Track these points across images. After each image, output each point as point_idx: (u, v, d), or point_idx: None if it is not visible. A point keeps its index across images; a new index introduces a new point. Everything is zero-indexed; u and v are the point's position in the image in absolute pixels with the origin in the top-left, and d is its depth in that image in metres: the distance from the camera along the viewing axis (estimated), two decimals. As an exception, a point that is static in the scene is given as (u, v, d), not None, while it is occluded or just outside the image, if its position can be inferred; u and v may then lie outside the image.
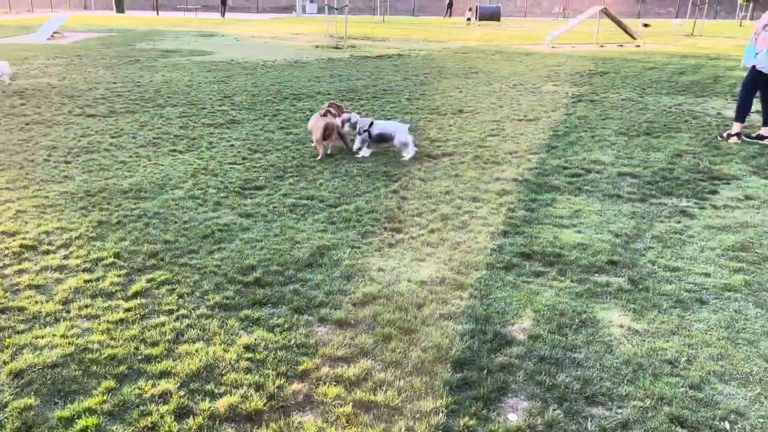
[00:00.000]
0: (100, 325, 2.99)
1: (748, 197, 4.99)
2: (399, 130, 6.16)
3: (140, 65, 13.17)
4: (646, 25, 29.36)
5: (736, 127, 6.95)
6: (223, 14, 41.45)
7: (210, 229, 4.17)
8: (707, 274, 3.63)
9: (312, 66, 13.74)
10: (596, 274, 3.62)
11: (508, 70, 13.30)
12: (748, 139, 6.92)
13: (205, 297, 3.26)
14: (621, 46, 20.18)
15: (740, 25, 36.23)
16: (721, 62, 15.44)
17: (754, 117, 7.74)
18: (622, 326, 3.05)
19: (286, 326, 2.98)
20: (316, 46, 18.68)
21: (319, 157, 6.07)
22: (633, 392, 2.56)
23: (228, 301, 3.21)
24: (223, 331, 2.94)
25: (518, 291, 3.38)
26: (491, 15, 38.39)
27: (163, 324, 3.00)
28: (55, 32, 19.97)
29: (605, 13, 21.03)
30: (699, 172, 5.69)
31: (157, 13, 40.86)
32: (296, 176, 5.46)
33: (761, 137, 6.87)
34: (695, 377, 2.65)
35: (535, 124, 7.81)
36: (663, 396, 2.53)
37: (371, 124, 6.19)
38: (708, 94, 10.40)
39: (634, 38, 21.37)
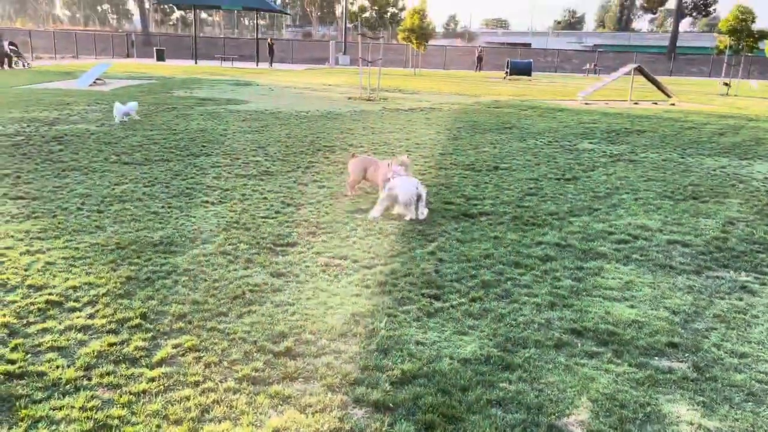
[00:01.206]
0: (121, 396, 2.79)
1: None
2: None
3: (176, 113, 13.38)
4: (726, 84, 29.06)
5: None
6: (271, 63, 42.87)
7: (241, 290, 3.99)
8: None
9: (345, 118, 13.81)
10: (656, 358, 3.32)
11: (542, 126, 13.17)
12: None
13: (234, 368, 3.05)
14: (655, 103, 20.01)
15: (775, 85, 35.85)
16: (761, 123, 15.12)
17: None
18: (692, 423, 2.74)
19: (318, 407, 2.74)
20: (349, 98, 18.88)
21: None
22: None
23: (257, 374, 3.00)
24: (251, 409, 2.72)
25: (572, 375, 3.10)
26: (523, 70, 38.76)
27: (187, 398, 2.79)
28: (97, 79, 20.61)
29: (640, 70, 20.98)
30: (755, 242, 5.37)
31: (196, 62, 42.21)
32: (329, 233, 5.29)
33: None
34: None
35: (574, 183, 7.58)
36: None
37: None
38: (752, 156, 10.09)
39: (668, 96, 21.21)
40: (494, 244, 5.12)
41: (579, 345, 3.43)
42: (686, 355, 3.35)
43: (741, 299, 4.14)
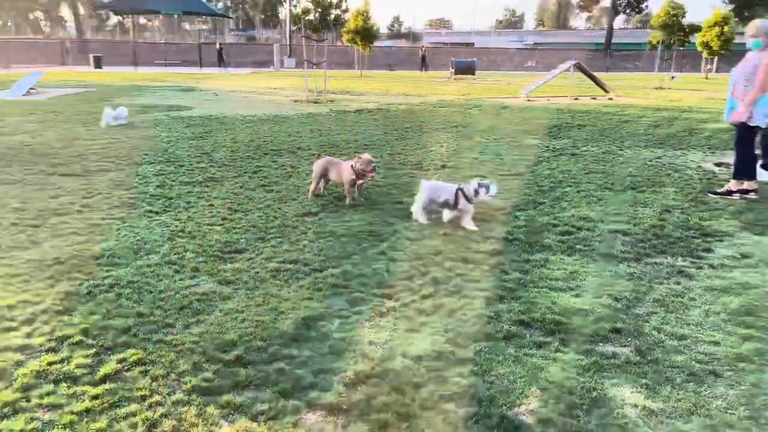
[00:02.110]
0: (62, 416, 2.68)
1: (744, 255, 4.88)
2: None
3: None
4: (673, 77, 30.40)
5: (752, 184, 6.86)
6: (221, 67, 42.32)
7: (188, 299, 3.90)
8: (716, 343, 3.45)
9: (292, 121, 13.70)
10: (601, 344, 3.41)
11: (488, 124, 13.39)
12: (712, 195, 6.88)
13: (182, 380, 2.97)
14: (594, 98, 20.65)
15: (706, 78, 37.57)
16: (693, 115, 15.80)
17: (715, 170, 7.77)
18: (636, 405, 2.83)
19: (271, 413, 2.71)
20: (295, 101, 18.74)
21: (348, 202, 6.34)
22: None
23: (207, 384, 2.93)
24: (201, 420, 2.66)
25: (521, 365, 3.16)
26: (467, 69, 39.33)
27: (134, 414, 2.70)
28: (31, 88, 19.79)
29: (579, 67, 21.60)
30: (690, 228, 5.60)
31: (136, 69, 41.07)
32: (279, 237, 5.23)
33: (730, 192, 6.83)
34: None
35: (520, 179, 7.74)
36: None
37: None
38: (685, 146, 10.53)
39: (606, 91, 21.91)
40: (444, 241, 5.17)
41: (528, 336, 3.50)
42: (629, 339, 3.47)
43: (678, 283, 4.31)
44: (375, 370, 3.07)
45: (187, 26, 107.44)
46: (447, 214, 5.71)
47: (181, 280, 4.25)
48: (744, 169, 6.79)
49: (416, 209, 5.80)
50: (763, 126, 6.68)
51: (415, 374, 3.04)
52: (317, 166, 6.58)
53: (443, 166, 8.50)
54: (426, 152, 9.69)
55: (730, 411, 2.80)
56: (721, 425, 2.69)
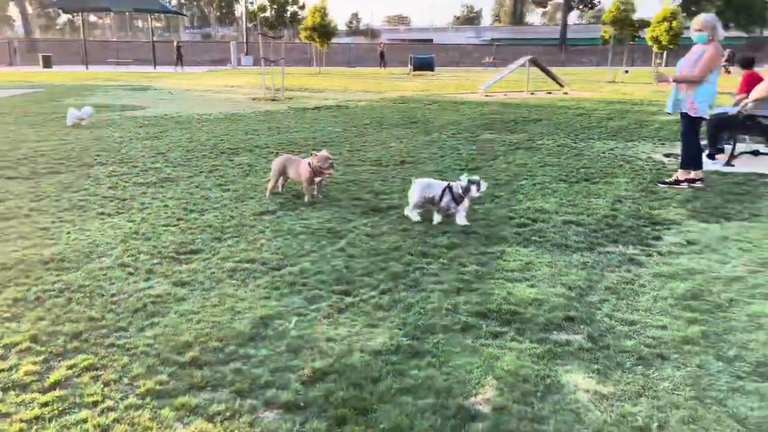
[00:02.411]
0: (11, 425, 2.60)
1: (690, 242, 5.06)
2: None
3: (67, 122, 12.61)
4: (627, 72, 31.22)
5: (698, 174, 7.05)
6: (179, 66, 41.58)
7: (141, 302, 3.82)
8: (664, 327, 3.56)
9: (249, 119, 13.54)
10: (555, 332, 3.49)
11: (446, 119, 13.50)
12: (661, 184, 7.09)
13: (135, 383, 2.92)
14: (550, 93, 21.02)
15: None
16: (644, 107, 16.24)
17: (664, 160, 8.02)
18: (588, 390, 2.90)
19: (228, 414, 2.68)
20: (253, 99, 18.53)
21: (307, 200, 6.32)
22: None
23: (161, 387, 2.88)
24: (155, 424, 2.61)
25: (478, 356, 3.20)
26: (425, 65, 39.53)
27: (85, 420, 2.64)
28: (-26, 89, 19.02)
29: (534, 62, 21.95)
30: (640, 217, 5.77)
31: (87, 68, 39.94)
32: (235, 237, 5.17)
33: (677, 182, 7.05)
34: None
35: (477, 173, 7.82)
36: None
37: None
38: (637, 138, 10.82)
39: (561, 85, 22.33)
40: (402, 236, 5.20)
41: (484, 326, 3.55)
42: (582, 327, 3.55)
43: (629, 271, 4.44)
44: (333, 367, 3.07)
45: (139, 24, 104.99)
46: (437, 217, 5.57)
47: (134, 282, 4.16)
48: (690, 159, 7.01)
49: (409, 207, 5.71)
50: (707, 117, 6.92)
51: (373, 369, 3.05)
52: (276, 163, 6.53)
53: (402, 162, 8.53)
54: (385, 148, 9.71)
55: (676, 392, 2.90)
56: (668, 405, 2.78)
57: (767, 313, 3.73)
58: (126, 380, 2.95)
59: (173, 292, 3.99)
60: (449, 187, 5.48)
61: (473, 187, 5.47)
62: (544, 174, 7.72)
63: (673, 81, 6.86)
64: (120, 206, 6.12)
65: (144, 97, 19.26)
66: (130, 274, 4.32)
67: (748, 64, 9.58)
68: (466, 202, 5.53)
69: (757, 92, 8.15)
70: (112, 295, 3.93)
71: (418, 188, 5.59)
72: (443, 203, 5.49)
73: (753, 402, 2.82)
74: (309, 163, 6.19)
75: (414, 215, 5.67)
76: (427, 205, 5.60)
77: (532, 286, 4.15)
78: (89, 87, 23.21)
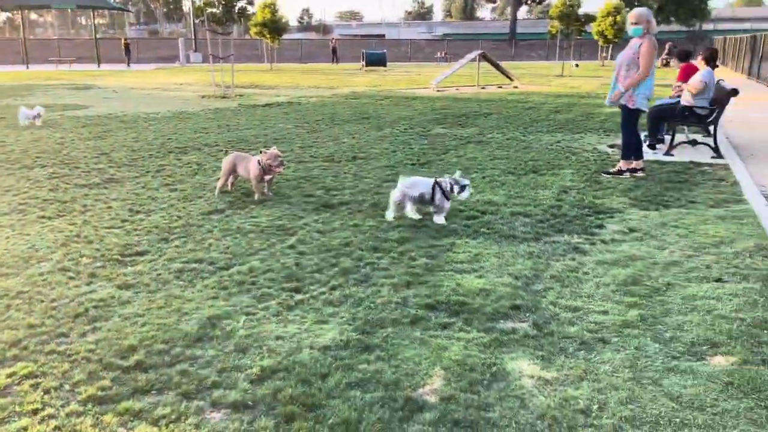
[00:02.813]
0: (-58, 440, 2.49)
1: (631, 230, 5.23)
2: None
3: (5, 123, 12.12)
4: (576, 65, 32.02)
5: (639, 163, 7.26)
6: (128, 64, 40.50)
7: (83, 307, 3.71)
8: (605, 312, 3.68)
9: (198, 117, 13.29)
10: (501, 321, 3.56)
11: (398, 114, 13.55)
12: (605, 175, 7.31)
13: (77, 390, 2.83)
14: (500, 87, 21.35)
15: (602, 65, 39.71)
16: (590, 100, 16.68)
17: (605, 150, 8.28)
18: (532, 376, 2.97)
19: (173, 417, 2.63)
20: (203, 97, 18.19)
21: (257, 197, 6.25)
22: None
23: (104, 393, 2.81)
24: (97, 431, 2.55)
25: (426, 347, 3.24)
26: (378, 60, 39.56)
27: (25, 428, 2.55)
28: None
29: (484, 57, 22.24)
30: (585, 207, 5.93)
31: (27, 67, 38.42)
32: (183, 237, 5.08)
33: (620, 171, 7.27)
34: (608, 426, 2.60)
35: (428, 167, 7.89)
36: None
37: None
38: (583, 130, 11.10)
39: (511, 79, 22.71)
40: (354, 232, 5.20)
41: (433, 318, 3.59)
42: (527, 315, 3.64)
43: (573, 259, 4.56)
44: (282, 364, 3.05)
45: (83, 21, 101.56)
46: (410, 211, 5.43)
47: (75, 287, 4.04)
48: (631, 150, 7.24)
49: (389, 208, 5.55)
50: (645, 109, 7.15)
51: (322, 365, 3.05)
52: (225, 162, 6.43)
53: (354, 158, 8.53)
54: (337, 144, 9.69)
55: (615, 374, 3.00)
56: (608, 387, 2.88)
57: (701, 295, 3.90)
58: (67, 387, 2.87)
59: (117, 296, 3.89)
60: (438, 184, 5.35)
61: (456, 188, 5.33)
62: (494, 167, 7.84)
63: (629, 86, 6.93)
64: (61, 209, 5.93)
65: (87, 96, 18.67)
66: (71, 278, 4.19)
67: (685, 56, 9.95)
68: (448, 204, 5.42)
69: (690, 86, 8.49)
70: (52, 301, 3.81)
71: (401, 186, 5.43)
72: (437, 200, 5.35)
73: (686, 380, 2.95)
74: (258, 161, 6.13)
75: (390, 214, 5.51)
76: (416, 204, 5.42)
77: (480, 276, 4.22)
78: (29, 87, 22.35)
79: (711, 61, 8.60)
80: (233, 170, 6.40)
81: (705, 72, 8.48)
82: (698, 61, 8.85)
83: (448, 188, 5.35)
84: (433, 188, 5.35)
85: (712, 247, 4.77)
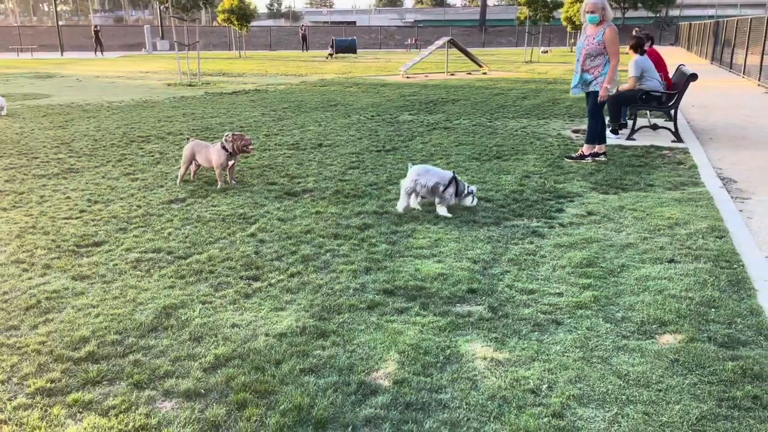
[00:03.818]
0: None
1: (590, 213, 5.31)
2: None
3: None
4: (545, 52, 32.22)
5: (601, 148, 7.35)
6: (99, 52, 39.51)
7: (35, 299, 3.64)
8: (560, 294, 3.74)
9: (163, 105, 13.06)
10: (458, 305, 3.60)
11: (366, 102, 13.51)
12: (567, 159, 7.41)
13: (25, 383, 2.79)
14: (469, 74, 21.40)
15: (571, 51, 40.06)
16: (557, 86, 16.82)
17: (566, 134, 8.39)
18: (485, 358, 3.02)
19: (123, 407, 2.61)
20: (168, 85, 17.87)
21: (219, 186, 6.20)
22: (500, 429, 2.50)
23: (53, 385, 2.77)
24: (45, 423, 2.51)
25: (382, 332, 3.26)
26: (347, 47, 39.27)
27: (-32, 424, 2.51)
28: None
29: (453, 43, 22.24)
30: (546, 192, 6.00)
31: (-14, 54, 37.24)
32: (142, 227, 5.01)
33: (582, 156, 7.38)
34: (557, 404, 2.65)
35: (394, 154, 7.90)
36: (528, 429, 2.49)
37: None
38: (548, 116, 11.21)
39: (480, 66, 22.77)
40: (315, 219, 5.19)
41: (390, 303, 3.61)
42: (483, 298, 3.68)
43: (532, 243, 4.62)
44: (236, 352, 3.04)
45: (45, 8, 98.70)
46: (414, 202, 5.35)
47: (29, 279, 3.96)
48: (597, 135, 7.34)
49: (400, 199, 5.38)
50: (612, 93, 7.25)
51: (276, 351, 3.05)
52: (186, 150, 6.35)
53: (320, 145, 8.49)
54: (303, 132, 9.62)
55: (566, 354, 3.06)
56: (558, 367, 2.94)
57: (653, 276, 3.99)
58: (15, 380, 2.82)
59: (71, 287, 3.83)
60: (456, 178, 5.26)
61: (471, 197, 5.32)
62: (459, 153, 7.88)
63: (611, 77, 6.99)
64: (17, 200, 5.79)
65: (49, 85, 18.20)
66: (25, 270, 4.10)
67: (638, 46, 9.92)
68: (454, 200, 5.32)
69: (624, 87, 8.70)
70: (4, 293, 3.73)
71: (413, 174, 5.28)
72: (447, 193, 5.25)
73: (635, 359, 3.02)
74: (223, 146, 6.06)
75: (401, 205, 5.35)
76: (423, 190, 5.26)
77: (439, 261, 4.25)
78: (-13, 75, 21.67)
79: (639, 48, 8.78)
80: (193, 158, 6.32)
81: (633, 62, 8.69)
82: (627, 51, 8.97)
83: (462, 188, 5.31)
84: (450, 181, 5.25)
85: (667, 229, 4.88)
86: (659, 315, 3.45)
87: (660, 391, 2.76)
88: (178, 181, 6.38)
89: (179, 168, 6.53)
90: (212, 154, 6.13)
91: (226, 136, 6.12)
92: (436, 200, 5.33)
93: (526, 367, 2.94)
